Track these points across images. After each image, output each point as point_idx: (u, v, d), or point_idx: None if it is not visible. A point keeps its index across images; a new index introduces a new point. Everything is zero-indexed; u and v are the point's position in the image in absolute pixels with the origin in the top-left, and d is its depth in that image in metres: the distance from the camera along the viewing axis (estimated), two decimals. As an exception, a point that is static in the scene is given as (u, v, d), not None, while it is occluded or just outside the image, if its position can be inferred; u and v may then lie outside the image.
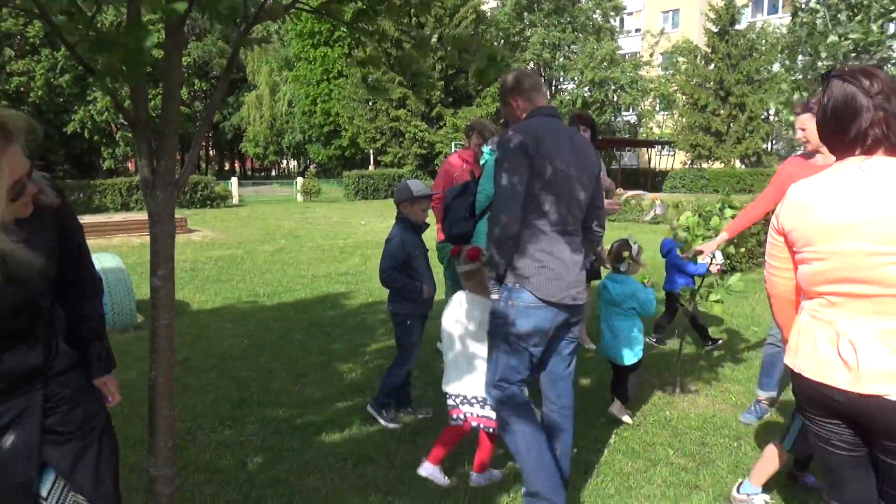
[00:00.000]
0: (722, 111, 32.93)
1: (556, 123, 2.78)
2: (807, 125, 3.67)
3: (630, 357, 3.85)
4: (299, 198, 26.70)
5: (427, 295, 3.85)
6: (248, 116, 43.49)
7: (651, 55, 36.95)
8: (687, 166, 36.17)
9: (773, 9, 39.24)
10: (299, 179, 28.14)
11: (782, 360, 4.03)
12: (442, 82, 28.44)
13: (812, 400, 1.95)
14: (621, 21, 42.25)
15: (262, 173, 54.14)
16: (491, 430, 3.09)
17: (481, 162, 3.90)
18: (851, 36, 6.34)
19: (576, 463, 3.28)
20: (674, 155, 37.62)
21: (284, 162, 54.20)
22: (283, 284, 8.44)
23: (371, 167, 33.38)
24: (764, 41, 32.54)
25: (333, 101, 35.68)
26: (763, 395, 4.06)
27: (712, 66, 33.71)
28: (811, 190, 1.95)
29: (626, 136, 38.67)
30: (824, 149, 3.83)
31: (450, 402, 3.17)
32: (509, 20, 35.45)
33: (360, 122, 32.26)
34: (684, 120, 34.89)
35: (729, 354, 5.32)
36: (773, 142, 9.08)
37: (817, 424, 1.98)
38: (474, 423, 3.12)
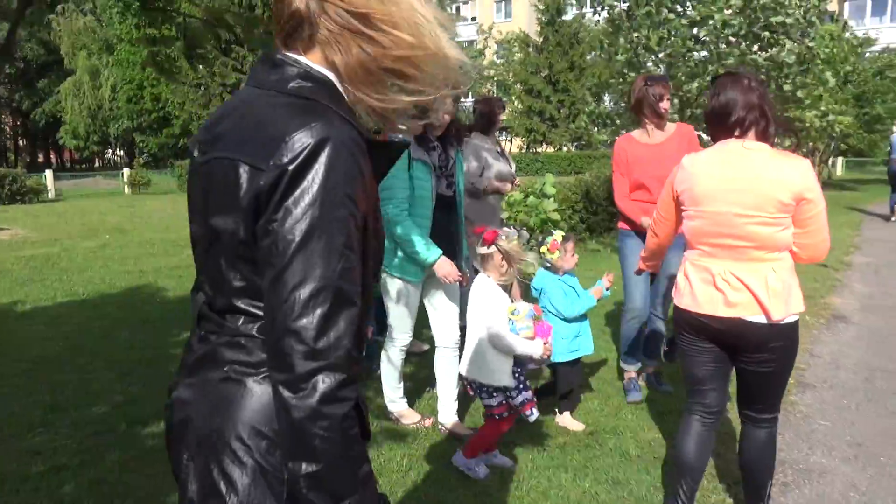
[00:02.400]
0: (553, 98, 34.90)
1: None
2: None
3: (555, 355, 3.48)
4: (126, 190, 24.82)
5: None
6: (65, 104, 39.58)
7: (485, 46, 38.25)
8: (524, 150, 37.97)
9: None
10: (126, 170, 26.15)
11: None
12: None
13: (693, 328, 2.51)
14: (457, 10, 43.30)
15: (84, 165, 49.50)
16: (498, 416, 3.04)
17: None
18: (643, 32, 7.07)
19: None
20: (511, 140, 39.30)
21: (110, 152, 49.95)
22: (107, 282, 7.88)
23: (207, 156, 31.67)
24: (587, 32, 34.80)
25: (163, 86, 33.42)
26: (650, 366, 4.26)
27: (543, 54, 35.56)
28: (700, 161, 2.50)
29: (468, 122, 39.77)
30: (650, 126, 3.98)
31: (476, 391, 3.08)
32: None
33: (192, 108, 30.54)
34: (520, 106, 36.55)
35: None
36: (597, 130, 9.78)
37: (693, 347, 2.56)
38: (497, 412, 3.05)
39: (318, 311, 0.99)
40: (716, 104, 2.46)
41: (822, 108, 9.93)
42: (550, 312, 3.55)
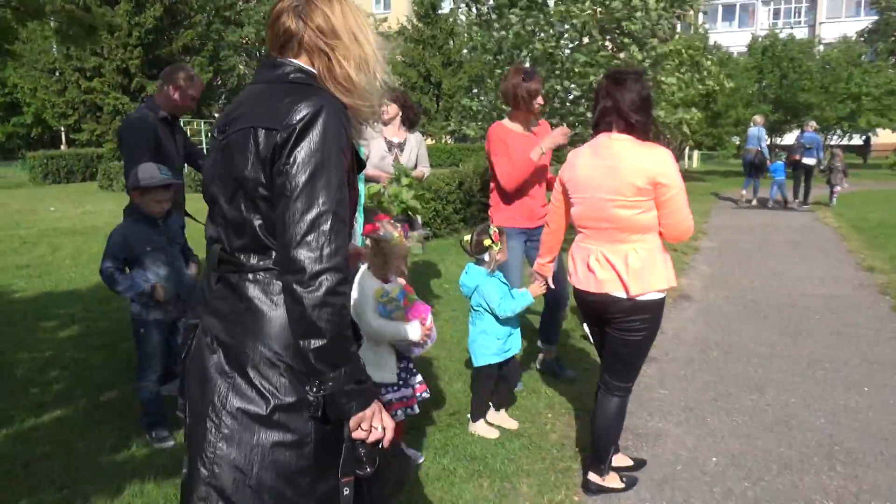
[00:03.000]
0: (429, 91, 35.25)
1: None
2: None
3: (476, 359, 3.46)
4: (-31, 184, 22.54)
5: (162, 297, 3.28)
6: None
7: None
8: (404, 143, 38.06)
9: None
10: (-32, 162, 23.73)
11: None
12: (140, 49, 25.72)
13: (581, 302, 2.90)
14: (335, -2, 42.65)
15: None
16: (398, 413, 2.88)
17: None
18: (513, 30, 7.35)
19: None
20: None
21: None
22: (-57, 284, 7.18)
23: (63, 146, 29.39)
24: (461, 27, 35.38)
25: (10, 71, 30.49)
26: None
27: (418, 48, 35.78)
28: (579, 154, 2.83)
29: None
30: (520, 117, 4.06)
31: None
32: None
33: (45, 95, 27.99)
34: (399, 98, 36.58)
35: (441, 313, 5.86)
36: (468, 125, 10.00)
37: (587, 317, 3.02)
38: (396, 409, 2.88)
39: (323, 228, 1.35)
40: (595, 103, 2.80)
41: (675, 112, 10.46)
42: (485, 311, 3.37)
